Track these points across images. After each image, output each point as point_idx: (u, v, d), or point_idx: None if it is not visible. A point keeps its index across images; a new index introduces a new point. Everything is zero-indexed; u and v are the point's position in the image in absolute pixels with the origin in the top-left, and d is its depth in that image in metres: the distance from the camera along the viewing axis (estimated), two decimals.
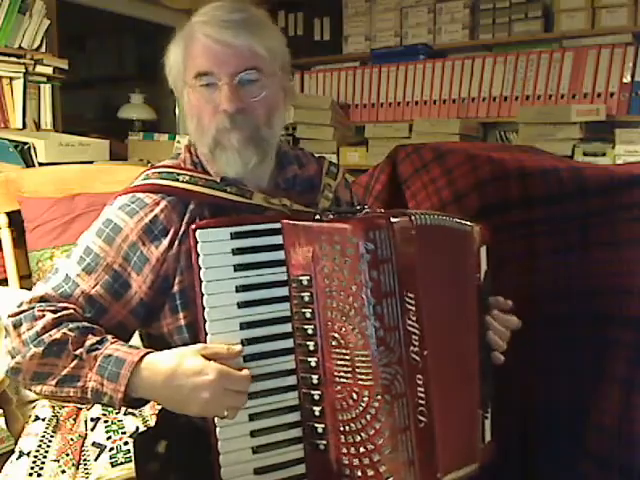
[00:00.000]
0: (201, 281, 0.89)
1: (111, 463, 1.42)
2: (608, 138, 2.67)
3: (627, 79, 2.68)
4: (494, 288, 1.11)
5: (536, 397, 1.43)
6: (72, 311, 0.94)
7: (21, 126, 2.53)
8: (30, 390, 0.95)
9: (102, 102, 4.64)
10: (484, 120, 3.04)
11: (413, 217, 0.96)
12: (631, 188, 1.35)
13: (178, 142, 2.82)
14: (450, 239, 1.03)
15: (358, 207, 1.11)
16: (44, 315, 0.92)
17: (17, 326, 0.93)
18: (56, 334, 0.90)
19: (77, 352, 0.89)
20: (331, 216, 0.96)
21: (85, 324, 0.93)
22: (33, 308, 0.94)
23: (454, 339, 1.00)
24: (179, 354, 0.88)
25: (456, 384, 1.00)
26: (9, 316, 0.95)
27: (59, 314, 0.92)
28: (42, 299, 0.96)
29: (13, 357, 0.93)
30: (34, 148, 2.21)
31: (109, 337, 0.92)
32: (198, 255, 0.90)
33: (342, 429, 0.91)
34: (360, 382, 0.90)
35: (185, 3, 3.11)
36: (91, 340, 0.90)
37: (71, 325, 0.91)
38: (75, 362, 0.89)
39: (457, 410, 0.99)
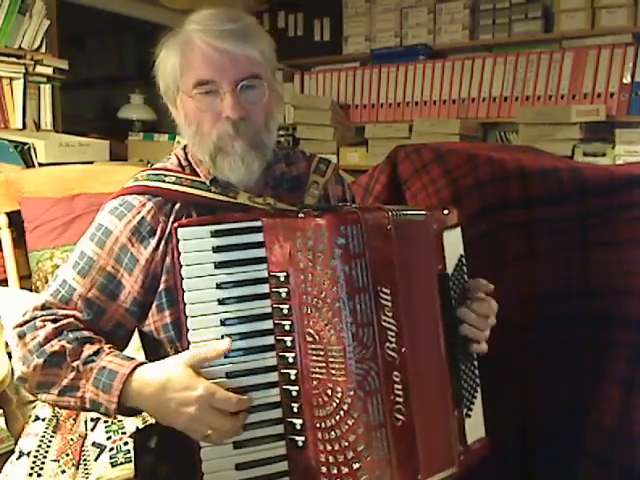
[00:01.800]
0: (182, 278, 0.91)
1: (111, 463, 1.42)
2: (608, 138, 2.67)
3: (627, 79, 2.68)
4: (472, 271, 1.08)
5: (536, 397, 1.43)
6: (72, 319, 0.98)
7: (21, 126, 2.53)
8: (36, 398, 0.99)
9: (102, 102, 4.64)
10: (484, 120, 3.04)
11: (389, 212, 0.95)
12: (631, 188, 1.35)
13: (178, 142, 2.82)
14: (415, 231, 1.01)
15: (339, 204, 1.11)
16: (45, 325, 0.97)
17: (22, 337, 0.98)
18: (56, 345, 0.94)
19: (74, 364, 0.93)
20: (314, 213, 0.95)
21: (84, 333, 0.96)
22: (35, 318, 0.99)
23: (424, 336, 0.99)
24: (169, 366, 0.90)
25: (432, 382, 0.99)
26: (15, 327, 1.00)
27: (59, 323, 0.97)
28: (43, 307, 1.01)
29: (22, 365, 0.97)
30: (34, 148, 2.21)
31: (105, 347, 0.95)
32: (179, 253, 0.92)
33: (318, 425, 0.91)
34: (334, 378, 0.90)
35: (185, 3, 3.11)
36: (88, 351, 0.94)
37: (71, 335, 0.95)
38: (73, 374, 0.93)
39: (435, 410, 0.98)
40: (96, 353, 0.94)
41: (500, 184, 1.45)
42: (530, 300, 1.41)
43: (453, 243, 1.06)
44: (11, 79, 2.50)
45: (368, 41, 3.35)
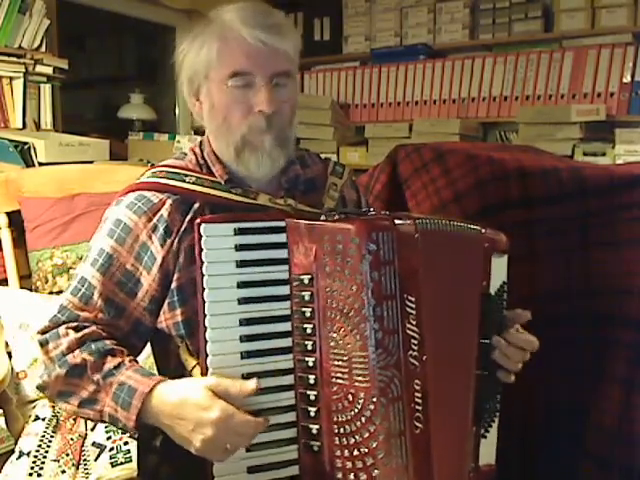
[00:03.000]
0: (203, 275, 0.90)
1: (111, 463, 1.42)
2: (608, 138, 2.67)
3: (627, 79, 2.67)
4: (512, 301, 1.07)
5: (536, 397, 1.43)
6: (94, 327, 0.97)
7: (21, 126, 2.52)
8: (57, 405, 1.01)
9: (102, 102, 4.64)
10: (484, 120, 3.04)
11: (417, 221, 0.95)
12: (631, 188, 1.35)
13: (178, 142, 2.82)
14: (454, 245, 1.01)
15: (364, 210, 1.11)
16: (68, 334, 0.96)
17: (44, 344, 0.98)
18: (78, 357, 0.94)
19: (95, 377, 0.93)
20: (336, 216, 0.96)
21: (107, 344, 0.95)
22: (58, 325, 0.98)
23: (453, 347, 0.98)
24: (188, 387, 0.88)
25: (453, 394, 0.98)
26: (38, 332, 1.00)
27: (82, 333, 0.96)
28: (65, 308, 1.00)
29: (44, 373, 0.97)
30: (34, 148, 2.21)
31: (127, 361, 0.94)
32: (201, 249, 0.90)
33: (337, 431, 0.90)
34: (356, 384, 0.89)
35: (185, 3, 3.11)
36: (109, 365, 0.93)
37: (93, 346, 0.95)
38: (93, 387, 0.93)
39: (454, 421, 0.98)
40: (117, 367, 0.93)
41: (500, 184, 1.45)
42: (530, 300, 1.40)
43: (499, 268, 1.05)
44: (11, 79, 2.49)
45: (368, 41, 3.35)
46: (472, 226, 1.03)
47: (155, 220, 1.01)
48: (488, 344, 1.02)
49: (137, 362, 0.97)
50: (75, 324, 0.98)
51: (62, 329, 0.97)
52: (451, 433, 0.98)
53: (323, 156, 1.23)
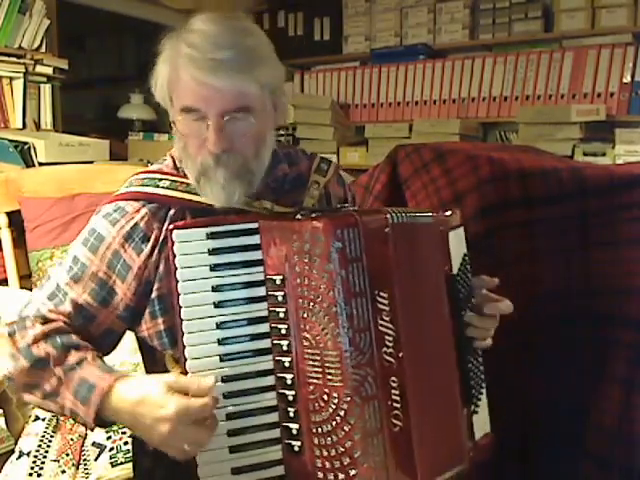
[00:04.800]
0: (177, 281, 0.91)
1: (111, 463, 1.42)
2: (608, 138, 2.67)
3: (627, 79, 2.67)
4: (475, 269, 1.08)
5: (536, 397, 1.43)
6: (61, 323, 0.98)
7: (21, 126, 2.53)
8: (21, 397, 0.99)
9: (102, 102, 4.65)
10: (484, 120, 3.04)
11: (388, 215, 0.94)
12: (631, 188, 1.35)
13: None
14: (418, 235, 1.00)
15: (338, 205, 1.10)
16: (34, 326, 0.96)
17: (12, 335, 0.98)
18: (42, 349, 0.94)
19: (57, 371, 0.93)
20: (312, 215, 0.95)
21: (72, 338, 0.96)
22: (27, 317, 0.99)
23: (430, 338, 0.98)
24: (147, 383, 0.89)
25: (435, 385, 0.98)
26: (7, 324, 1.00)
27: (48, 326, 0.96)
28: (35, 306, 1.01)
29: (10, 364, 0.97)
30: (34, 148, 2.21)
31: (89, 356, 0.94)
32: (175, 255, 0.91)
33: (314, 431, 0.90)
34: (330, 383, 0.89)
35: (185, 3, 3.11)
36: (72, 359, 0.93)
37: (58, 340, 0.95)
38: (56, 380, 0.93)
39: (438, 412, 0.97)
40: (79, 362, 0.93)
41: (500, 184, 1.45)
42: (530, 300, 1.41)
43: (457, 243, 1.05)
44: (11, 79, 2.50)
45: (368, 41, 3.35)
46: (424, 212, 1.03)
47: (128, 228, 1.01)
48: (462, 323, 1.03)
49: (101, 358, 0.96)
50: (43, 318, 0.99)
51: (29, 321, 0.98)
52: (442, 422, 0.98)
53: (311, 153, 1.21)
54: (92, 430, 0.99)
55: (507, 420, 1.26)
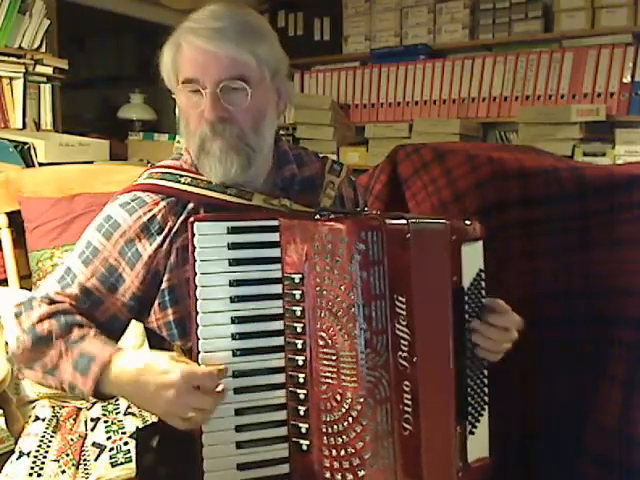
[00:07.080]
0: (195, 273, 0.91)
1: (111, 463, 1.42)
2: (608, 138, 2.67)
3: (627, 79, 2.67)
4: (490, 288, 1.05)
5: (536, 397, 1.43)
6: (67, 305, 0.99)
7: (21, 126, 2.53)
8: (22, 374, 1.01)
9: (102, 102, 4.64)
10: (484, 120, 3.04)
11: (410, 220, 0.95)
12: (631, 188, 1.35)
13: (178, 142, 2.82)
14: (433, 240, 0.99)
15: (358, 209, 1.10)
16: (40, 306, 0.98)
17: (18, 315, 0.99)
18: (46, 328, 0.95)
19: (58, 346, 0.94)
20: (331, 216, 0.95)
21: (76, 318, 0.97)
22: (33, 299, 1.00)
23: (437, 347, 0.97)
24: (152, 355, 0.90)
25: (438, 396, 0.97)
26: (15, 305, 1.01)
27: (54, 306, 0.98)
28: (44, 289, 1.02)
29: (14, 343, 0.98)
30: (34, 148, 2.21)
31: (92, 332, 0.95)
32: (194, 248, 0.91)
33: (325, 430, 0.90)
34: (344, 383, 0.89)
35: (185, 3, 3.11)
36: (74, 335, 0.94)
37: (62, 319, 0.96)
38: (57, 355, 0.94)
39: (438, 423, 0.97)
40: (82, 338, 0.94)
41: (500, 184, 1.45)
42: (530, 300, 1.41)
43: (472, 257, 1.03)
44: (11, 79, 2.50)
45: (368, 41, 3.35)
46: (438, 219, 1.02)
47: (146, 219, 1.02)
48: (465, 339, 1.00)
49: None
50: (49, 298, 1.00)
51: (36, 302, 0.99)
52: (441, 434, 0.97)
53: (322, 155, 1.22)
54: (87, 401, 0.99)
55: (507, 420, 1.26)
